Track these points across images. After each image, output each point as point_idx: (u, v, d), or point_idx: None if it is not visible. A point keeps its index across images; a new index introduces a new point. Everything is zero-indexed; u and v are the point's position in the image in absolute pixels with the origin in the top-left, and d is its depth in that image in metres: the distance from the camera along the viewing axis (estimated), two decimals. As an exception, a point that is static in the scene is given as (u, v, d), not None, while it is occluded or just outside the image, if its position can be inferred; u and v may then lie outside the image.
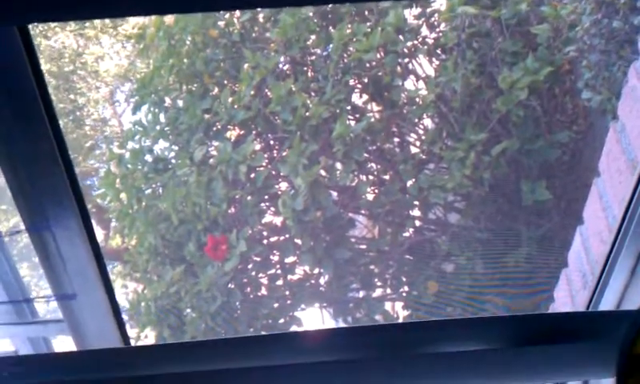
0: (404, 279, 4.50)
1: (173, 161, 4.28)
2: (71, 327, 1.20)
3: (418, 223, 4.46)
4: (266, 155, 4.17)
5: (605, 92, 2.64)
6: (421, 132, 4.40)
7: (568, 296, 1.54)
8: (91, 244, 1.10)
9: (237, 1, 0.71)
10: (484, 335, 1.00)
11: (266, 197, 4.15)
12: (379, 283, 4.57)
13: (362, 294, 4.66)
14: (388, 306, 4.71)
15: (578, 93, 3.09)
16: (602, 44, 2.73)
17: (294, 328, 4.31)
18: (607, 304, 1.26)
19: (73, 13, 0.74)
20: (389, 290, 4.61)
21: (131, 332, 5.37)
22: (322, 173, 4.11)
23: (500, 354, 0.98)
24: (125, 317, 5.56)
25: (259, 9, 4.27)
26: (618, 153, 1.31)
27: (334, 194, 4.24)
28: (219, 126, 4.10)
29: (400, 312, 4.68)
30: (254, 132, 4.12)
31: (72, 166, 1.07)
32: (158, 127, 4.32)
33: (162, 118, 4.31)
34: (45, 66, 6.47)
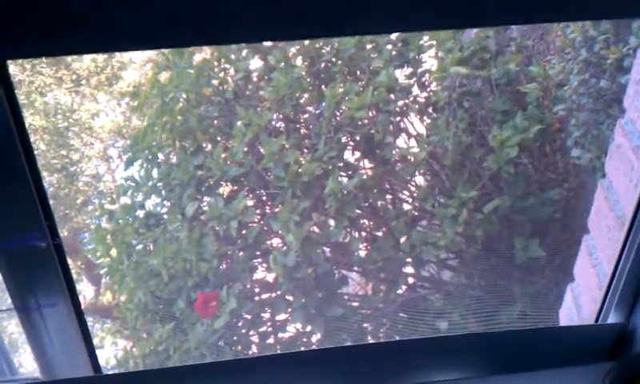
0: (397, 337, 4.45)
1: (164, 216, 4.27)
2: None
3: (411, 280, 4.44)
4: (257, 211, 4.17)
5: (594, 149, 2.67)
6: (413, 189, 4.42)
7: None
8: (73, 306, 1.08)
9: (232, 36, 0.72)
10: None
11: (258, 253, 4.13)
12: (372, 340, 4.52)
13: (354, 352, 4.60)
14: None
15: (568, 151, 3.12)
16: (590, 103, 2.77)
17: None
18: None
19: (50, 48, 0.74)
20: (382, 349, 4.55)
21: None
22: (315, 229, 4.10)
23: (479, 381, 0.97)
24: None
25: (252, 67, 4.33)
26: (607, 210, 1.31)
27: (327, 250, 4.22)
28: (211, 182, 4.11)
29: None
30: (246, 188, 4.12)
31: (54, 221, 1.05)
32: (150, 183, 4.32)
33: (154, 173, 4.32)
34: (39, 123, 6.51)
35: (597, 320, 1.22)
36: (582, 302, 1.44)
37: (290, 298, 4.00)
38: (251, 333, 4.15)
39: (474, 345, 1.02)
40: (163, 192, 4.23)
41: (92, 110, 7.00)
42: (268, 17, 0.70)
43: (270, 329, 4.20)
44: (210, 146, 4.25)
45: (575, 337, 1.01)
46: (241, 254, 4.02)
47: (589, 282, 1.40)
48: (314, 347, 4.41)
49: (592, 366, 1.01)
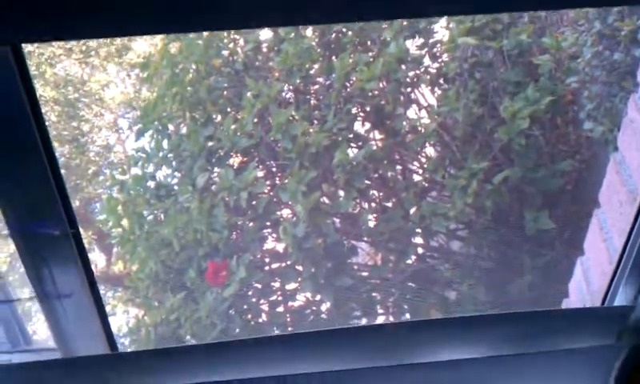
0: (406, 307, 4.48)
1: (175, 187, 4.29)
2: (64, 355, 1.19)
3: (420, 250, 4.45)
4: (267, 182, 4.18)
5: (606, 123, 2.65)
6: (423, 160, 4.41)
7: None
8: (88, 277, 1.10)
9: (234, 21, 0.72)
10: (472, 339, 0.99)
11: (267, 223, 4.15)
12: (381, 310, 4.55)
13: (364, 321, 4.64)
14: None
15: (580, 123, 3.10)
16: (604, 75, 2.74)
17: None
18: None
19: (64, 33, 0.74)
20: (391, 318, 4.59)
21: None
22: (324, 200, 4.11)
23: (488, 361, 0.98)
24: (125, 342, 5.54)
25: (262, 38, 4.31)
26: (618, 184, 1.31)
27: (336, 221, 4.24)
28: (221, 153, 4.11)
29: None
30: (255, 159, 4.13)
31: (67, 194, 1.05)
32: (160, 154, 4.34)
33: (164, 144, 4.34)
34: (50, 94, 6.52)
35: (606, 295, 1.23)
36: (591, 276, 1.44)
37: (300, 267, 4.03)
38: (261, 301, 4.19)
39: (481, 326, 1.03)
40: (174, 163, 4.24)
41: (102, 81, 7.00)
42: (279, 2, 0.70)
43: (279, 298, 4.23)
44: (219, 117, 4.25)
45: (583, 318, 1.02)
46: (251, 224, 4.04)
47: (599, 256, 1.40)
48: (321, 328, 4.46)
49: (599, 349, 1.02)
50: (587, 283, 1.46)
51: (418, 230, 4.19)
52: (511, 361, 0.96)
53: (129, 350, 4.97)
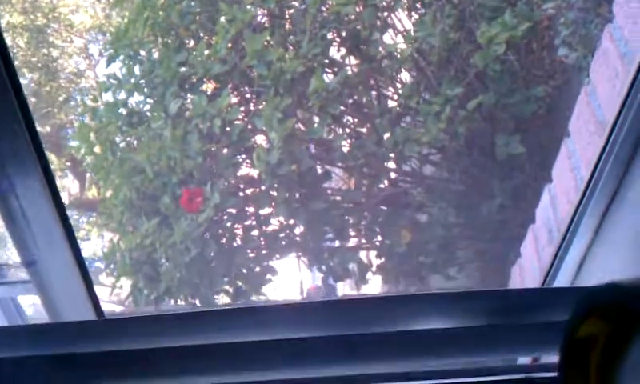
0: (377, 229, 4.56)
1: (148, 114, 4.24)
2: (38, 288, 1.21)
3: (393, 175, 4.50)
4: (242, 108, 4.15)
5: (581, 49, 2.66)
6: (398, 86, 4.40)
7: (534, 252, 1.58)
8: (55, 204, 1.09)
9: None
10: (443, 312, 1.03)
11: (242, 150, 4.15)
12: (354, 233, 4.63)
13: (337, 243, 4.72)
14: (362, 255, 4.78)
15: (556, 49, 3.11)
16: (580, 1, 2.73)
17: (268, 277, 4.35)
18: (571, 263, 1.30)
19: None
20: (363, 240, 4.67)
21: (107, 280, 5.40)
22: (300, 126, 4.11)
23: (454, 332, 1.02)
24: (100, 265, 5.57)
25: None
26: (589, 114, 1.33)
27: (311, 146, 4.24)
28: (195, 80, 4.06)
29: (374, 261, 4.75)
30: (229, 85, 4.08)
31: (34, 125, 1.03)
32: (132, 80, 4.26)
33: (136, 70, 4.25)
34: (17, 20, 6.30)
35: (570, 224, 1.27)
36: (558, 204, 1.48)
37: (274, 193, 4.05)
38: (236, 226, 4.23)
39: (456, 300, 1.06)
40: (146, 89, 4.17)
41: (71, 6, 6.78)
42: None
43: (254, 222, 4.28)
44: (192, 43, 4.16)
45: (558, 296, 1.05)
46: (225, 151, 4.03)
47: (566, 184, 1.44)
48: (294, 252, 4.53)
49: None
50: (554, 210, 1.50)
51: (391, 155, 4.22)
52: (485, 331, 1.00)
53: (106, 281, 5.02)
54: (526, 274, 1.67)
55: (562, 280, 1.35)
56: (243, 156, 4.20)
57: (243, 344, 0.99)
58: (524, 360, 1.29)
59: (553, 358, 1.11)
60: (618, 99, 1.20)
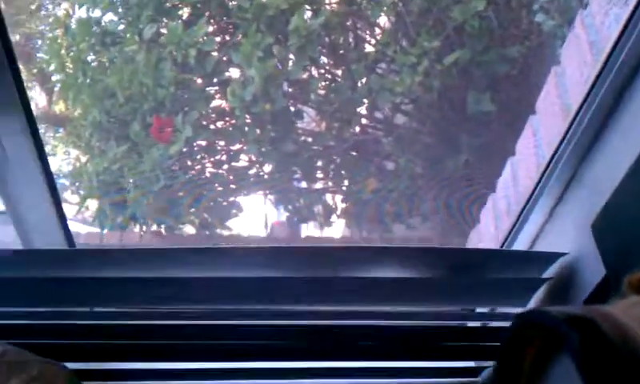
0: (344, 173, 4.62)
1: (122, 35, 4.16)
2: (12, 217, 1.23)
3: (364, 121, 4.53)
4: (217, 39, 4.10)
5: (557, 18, 2.69)
6: (377, 32, 4.39)
7: (492, 220, 1.66)
8: (28, 121, 1.08)
9: None
10: (409, 263, 1.10)
11: (215, 81, 4.11)
12: (321, 176, 4.68)
13: (304, 184, 4.77)
14: (328, 197, 4.85)
15: (533, 14, 3.13)
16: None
17: (234, 212, 4.40)
18: (526, 236, 1.37)
19: None
20: (330, 183, 4.73)
21: (72, 198, 5.38)
22: (277, 64, 4.08)
23: (420, 281, 1.09)
24: (65, 182, 5.52)
25: None
26: (555, 96, 1.38)
27: (284, 85, 4.23)
28: (169, 5, 3.98)
29: (339, 205, 4.83)
30: (206, 13, 4.02)
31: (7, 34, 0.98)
32: (106, -3, 4.16)
33: (111, -13, 4.14)
34: None
35: (529, 199, 1.33)
36: (518, 178, 1.55)
37: (246, 128, 4.06)
38: (204, 160, 4.24)
39: (419, 254, 1.12)
40: (120, 10, 4.08)
41: None
42: None
43: (223, 157, 4.29)
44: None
45: (513, 259, 1.12)
46: (198, 81, 4.00)
47: (528, 160, 1.50)
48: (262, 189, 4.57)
49: (524, 281, 1.13)
50: (514, 183, 1.57)
51: (365, 101, 4.24)
52: (447, 283, 1.07)
53: (70, 199, 5.00)
54: (483, 239, 1.75)
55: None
56: (216, 88, 4.17)
57: (215, 279, 1.04)
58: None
59: (508, 309, 1.22)
60: (584, 87, 1.25)
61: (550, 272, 1.15)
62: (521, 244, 1.31)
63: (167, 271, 1.04)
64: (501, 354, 0.49)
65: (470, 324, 1.32)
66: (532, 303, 1.17)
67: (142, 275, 1.02)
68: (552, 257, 1.13)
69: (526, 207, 1.39)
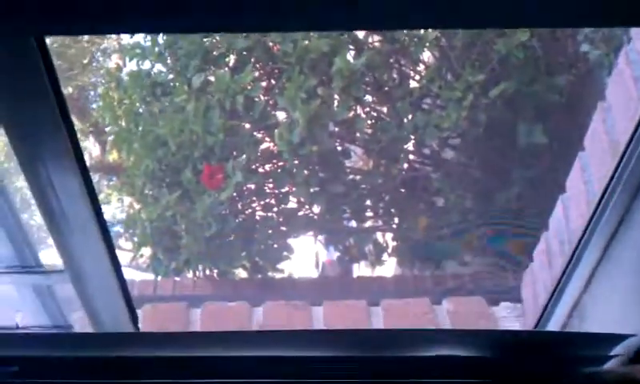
0: (395, 211, 4.60)
1: (171, 84, 4.27)
2: (71, 277, 1.27)
3: (412, 157, 4.52)
4: (263, 84, 4.17)
5: (603, 47, 2.65)
6: (420, 69, 4.40)
7: (546, 260, 1.62)
8: (93, 205, 1.14)
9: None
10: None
11: (262, 125, 4.18)
12: (371, 214, 4.67)
13: (353, 223, 4.77)
14: (379, 236, 4.84)
15: (578, 44, 3.10)
16: None
17: (285, 254, 4.42)
18: (579, 278, 1.33)
19: (90, 27, 0.76)
20: (380, 222, 4.72)
21: (126, 245, 5.50)
22: (321, 106, 4.12)
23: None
24: (120, 229, 5.66)
25: None
26: (602, 132, 1.35)
27: (331, 125, 4.26)
28: (216, 54, 4.08)
29: (390, 243, 4.80)
30: (252, 59, 4.10)
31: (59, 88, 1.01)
32: (156, 49, 4.29)
33: (160, 40, 4.28)
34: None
35: (580, 240, 1.30)
36: (570, 216, 1.51)
37: (294, 170, 4.09)
38: (254, 204, 4.29)
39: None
40: (169, 61, 4.21)
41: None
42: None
43: (273, 200, 4.33)
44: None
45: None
46: (247, 127, 4.07)
47: (579, 197, 1.47)
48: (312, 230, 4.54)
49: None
50: (566, 221, 1.54)
51: (412, 137, 4.24)
52: None
53: (125, 246, 5.11)
54: (537, 279, 1.71)
55: (571, 293, 1.39)
56: (263, 132, 4.23)
57: (260, 359, 1.04)
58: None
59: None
60: (631, 123, 1.22)
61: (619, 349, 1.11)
62: (574, 289, 1.28)
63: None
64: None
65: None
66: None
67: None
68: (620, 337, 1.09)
69: (578, 247, 1.36)
